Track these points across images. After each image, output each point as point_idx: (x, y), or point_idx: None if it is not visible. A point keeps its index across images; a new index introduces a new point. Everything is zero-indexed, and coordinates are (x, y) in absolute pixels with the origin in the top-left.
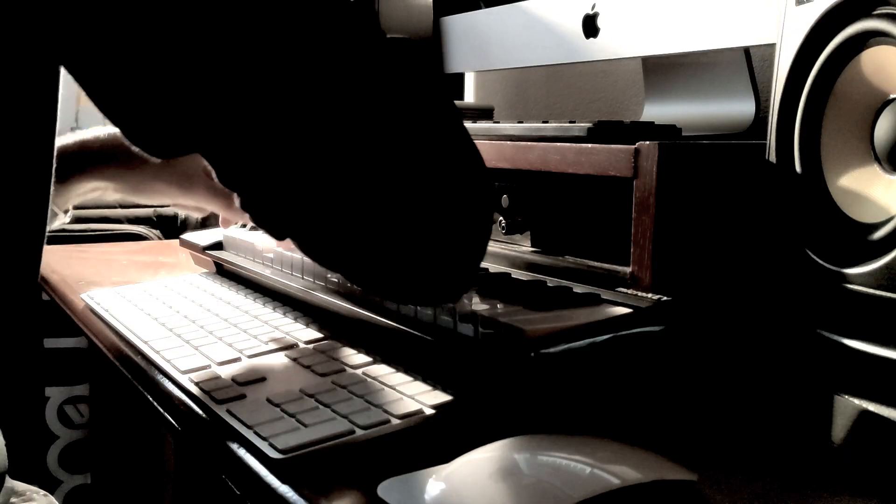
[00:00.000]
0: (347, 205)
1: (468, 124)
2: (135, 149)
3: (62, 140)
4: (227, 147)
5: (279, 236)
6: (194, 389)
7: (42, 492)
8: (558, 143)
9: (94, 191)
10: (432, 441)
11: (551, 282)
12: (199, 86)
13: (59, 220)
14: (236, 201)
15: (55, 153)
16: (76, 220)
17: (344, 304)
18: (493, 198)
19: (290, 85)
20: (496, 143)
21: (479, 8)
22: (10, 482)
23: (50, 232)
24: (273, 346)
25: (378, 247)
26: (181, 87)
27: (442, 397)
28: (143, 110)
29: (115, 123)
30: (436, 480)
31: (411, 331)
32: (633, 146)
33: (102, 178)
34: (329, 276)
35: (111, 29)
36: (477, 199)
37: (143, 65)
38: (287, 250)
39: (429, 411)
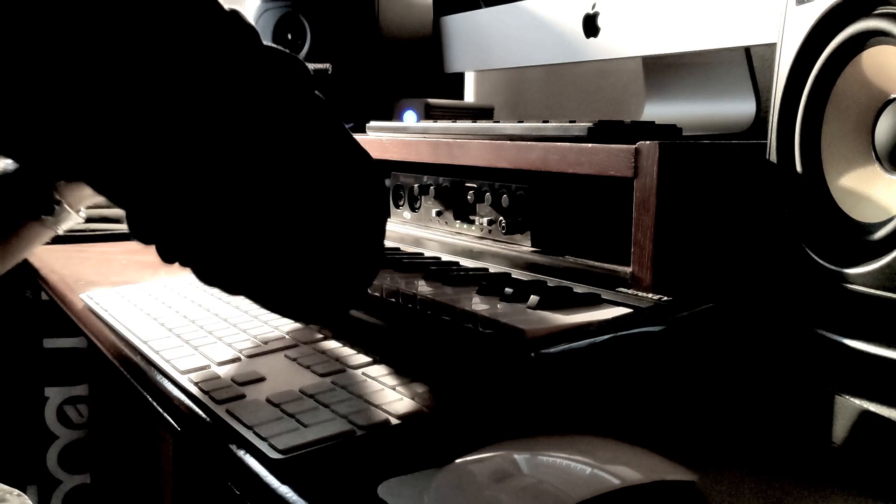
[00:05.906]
0: (237, 214)
1: (468, 124)
2: None
3: None
4: (111, 160)
5: (167, 257)
6: (194, 389)
7: (16, 491)
8: (558, 143)
9: None
10: (432, 441)
11: (551, 282)
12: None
13: (73, 221)
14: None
15: None
16: None
17: None
18: (381, 194)
19: (169, 94)
20: (496, 142)
21: (480, 7)
22: None
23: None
24: (273, 346)
25: (270, 253)
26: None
27: (442, 398)
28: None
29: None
30: (436, 481)
31: (411, 332)
32: (634, 146)
33: None
34: None
35: None
36: (366, 198)
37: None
38: None
39: (429, 412)
